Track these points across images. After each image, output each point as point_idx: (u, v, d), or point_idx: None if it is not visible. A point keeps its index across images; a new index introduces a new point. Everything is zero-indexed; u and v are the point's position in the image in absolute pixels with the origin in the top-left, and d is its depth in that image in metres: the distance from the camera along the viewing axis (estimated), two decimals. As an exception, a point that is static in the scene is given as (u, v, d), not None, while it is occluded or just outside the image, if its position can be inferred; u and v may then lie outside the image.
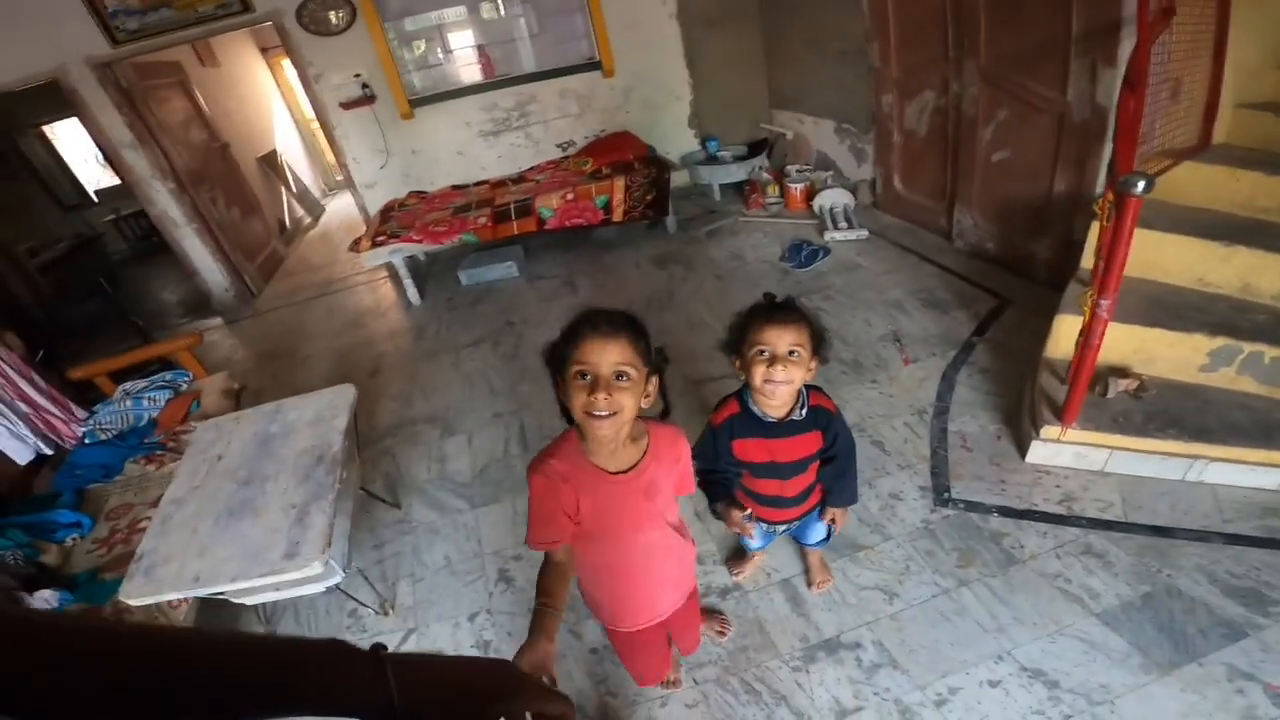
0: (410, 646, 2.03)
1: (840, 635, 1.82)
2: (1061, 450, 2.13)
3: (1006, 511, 2.06)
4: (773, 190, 4.52)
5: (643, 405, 1.08)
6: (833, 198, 4.08)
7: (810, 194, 4.29)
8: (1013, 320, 2.92)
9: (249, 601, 1.92)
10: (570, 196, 4.19)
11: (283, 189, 6.76)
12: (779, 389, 1.31)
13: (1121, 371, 2.17)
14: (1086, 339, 1.90)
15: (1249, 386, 2.06)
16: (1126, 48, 2.29)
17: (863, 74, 3.88)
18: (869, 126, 4.02)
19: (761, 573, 2.03)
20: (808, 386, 1.40)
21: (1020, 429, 2.29)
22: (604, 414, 1.00)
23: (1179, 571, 1.80)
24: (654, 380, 1.10)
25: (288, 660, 0.48)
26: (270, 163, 6.67)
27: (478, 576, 2.20)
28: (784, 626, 1.87)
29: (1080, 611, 1.75)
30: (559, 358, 1.05)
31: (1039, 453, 2.17)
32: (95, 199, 7.21)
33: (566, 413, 1.10)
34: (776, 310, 1.29)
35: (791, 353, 1.26)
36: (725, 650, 1.84)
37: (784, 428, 1.40)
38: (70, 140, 6.90)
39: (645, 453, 1.16)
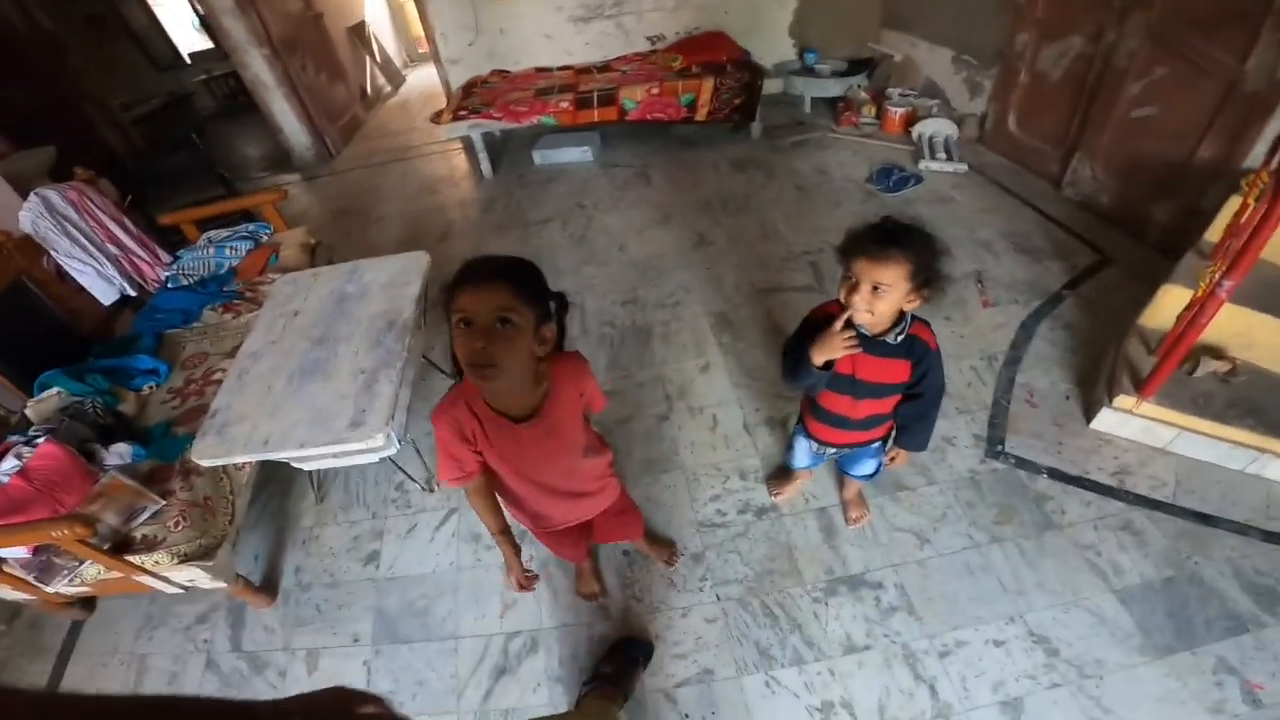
0: (450, 527, 2.14)
1: (865, 573, 1.85)
2: (1130, 422, 2.06)
3: (1057, 474, 2.02)
4: (869, 111, 4.25)
5: (537, 352, 1.04)
6: (935, 127, 3.83)
7: (910, 120, 4.03)
8: (1111, 279, 2.74)
9: (307, 467, 1.97)
10: (655, 90, 4.07)
11: (367, 58, 6.75)
12: (860, 315, 1.27)
13: (1216, 352, 2.04)
14: (1195, 316, 1.79)
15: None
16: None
17: (997, 7, 3.54)
18: (993, 62, 3.69)
19: (800, 497, 2.05)
20: (913, 315, 1.34)
21: (1092, 393, 2.20)
22: (483, 364, 0.96)
23: (1208, 561, 1.78)
24: (550, 325, 1.06)
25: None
26: (358, 33, 6.66)
27: (525, 457, 2.29)
28: (813, 555, 1.91)
29: (1101, 586, 1.75)
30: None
31: (1106, 420, 2.10)
32: (189, 61, 7.52)
33: (458, 366, 1.07)
34: (878, 244, 1.20)
35: (877, 289, 1.20)
36: (753, 571, 1.89)
37: (874, 344, 1.34)
38: (169, 5, 7.12)
39: (546, 396, 1.14)
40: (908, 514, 1.98)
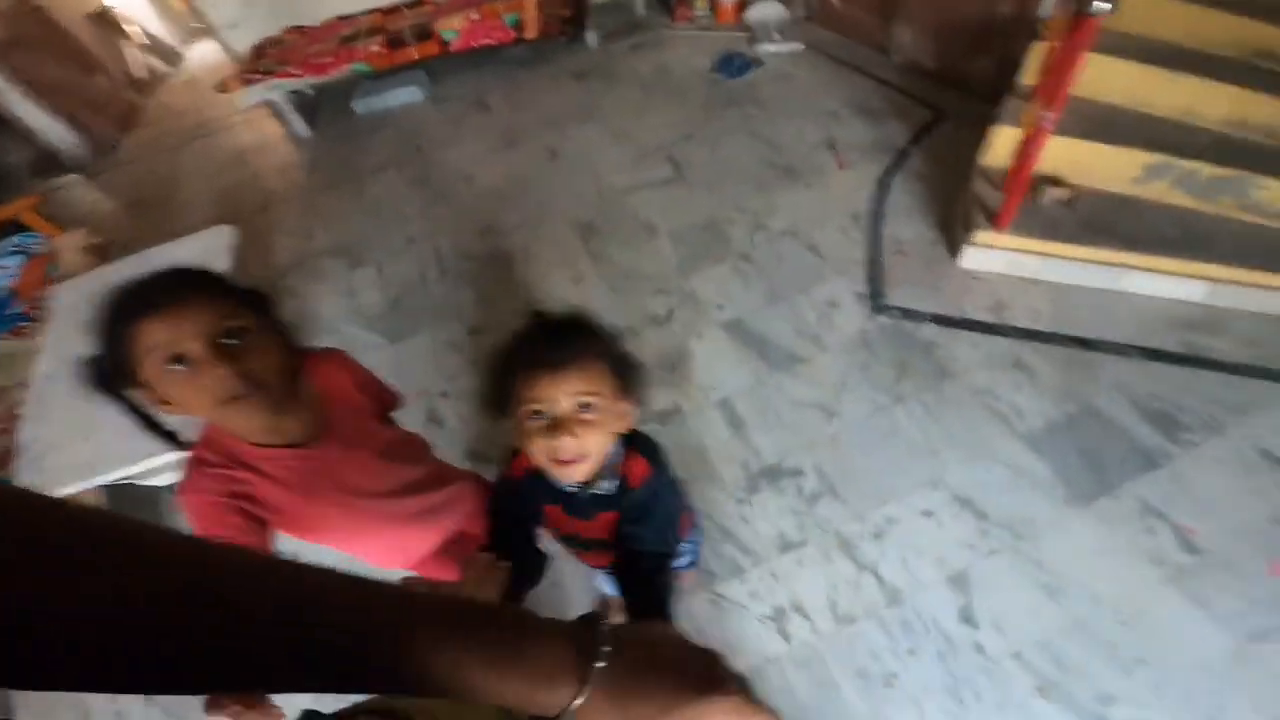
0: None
1: (781, 461, 1.81)
2: (994, 256, 2.13)
3: (940, 320, 2.07)
4: (702, 3, 4.13)
5: (283, 361, 0.82)
6: (765, 10, 3.78)
7: (742, 7, 3.94)
8: (949, 131, 2.82)
9: (160, 483, 1.73)
10: (475, 16, 3.73)
11: (123, 42, 5.83)
12: (573, 470, 0.81)
13: (1055, 181, 2.13)
14: (1027, 148, 1.85)
15: (1183, 201, 2.06)
16: None
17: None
18: (809, -60, 3.65)
19: (699, 390, 1.98)
20: (623, 439, 0.89)
21: (955, 234, 2.27)
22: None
23: (1099, 389, 1.81)
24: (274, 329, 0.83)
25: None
26: (104, 19, 5.70)
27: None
28: (726, 452, 1.86)
29: (1006, 432, 1.76)
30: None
31: (972, 258, 2.17)
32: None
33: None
34: (549, 345, 0.80)
35: (585, 406, 0.78)
36: (670, 483, 1.82)
37: (583, 502, 0.90)
38: None
39: (317, 402, 0.92)
40: (807, 387, 1.96)
